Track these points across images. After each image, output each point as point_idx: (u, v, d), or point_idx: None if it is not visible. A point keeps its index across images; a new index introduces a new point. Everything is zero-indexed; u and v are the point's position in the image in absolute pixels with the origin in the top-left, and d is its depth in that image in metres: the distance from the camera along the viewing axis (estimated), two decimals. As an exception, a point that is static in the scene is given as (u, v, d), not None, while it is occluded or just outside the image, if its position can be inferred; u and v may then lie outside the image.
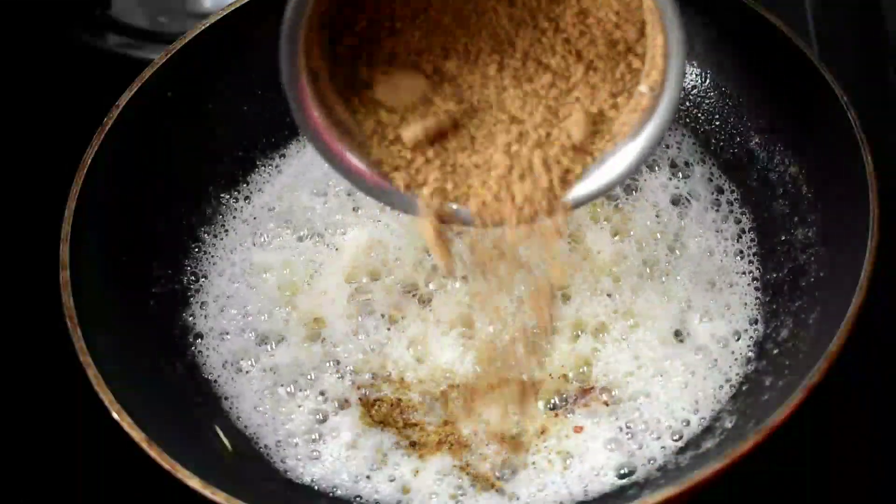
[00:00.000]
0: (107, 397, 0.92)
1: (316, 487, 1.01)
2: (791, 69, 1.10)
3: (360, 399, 1.06)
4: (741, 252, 1.13)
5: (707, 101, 1.22)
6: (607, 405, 1.03)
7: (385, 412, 1.05)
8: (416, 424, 1.04)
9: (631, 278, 1.11)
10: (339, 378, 1.08)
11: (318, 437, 1.04)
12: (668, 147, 1.21)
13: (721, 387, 1.04)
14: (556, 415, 1.03)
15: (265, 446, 1.04)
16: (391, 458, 1.02)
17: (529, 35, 0.92)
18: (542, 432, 1.02)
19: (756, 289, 1.10)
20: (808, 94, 1.08)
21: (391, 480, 1.01)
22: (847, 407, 1.12)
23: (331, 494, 1.00)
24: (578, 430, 1.02)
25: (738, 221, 1.15)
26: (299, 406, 1.06)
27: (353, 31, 0.92)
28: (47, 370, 1.18)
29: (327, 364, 1.09)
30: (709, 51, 1.21)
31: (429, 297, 1.12)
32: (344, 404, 1.06)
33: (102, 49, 1.47)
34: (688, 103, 1.23)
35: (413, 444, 1.03)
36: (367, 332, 1.10)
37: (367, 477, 1.01)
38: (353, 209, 1.19)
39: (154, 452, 0.89)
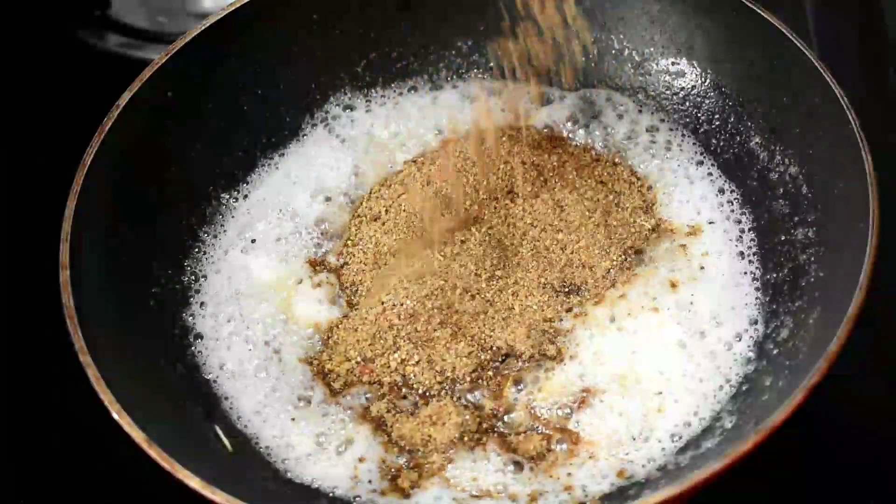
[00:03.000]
0: (107, 397, 0.92)
1: (316, 487, 1.01)
2: (791, 69, 1.10)
3: (359, 400, 1.06)
4: (741, 252, 1.13)
5: (707, 101, 1.22)
6: (607, 405, 1.03)
7: (384, 412, 1.05)
8: (416, 423, 1.04)
9: (633, 277, 1.12)
10: (338, 379, 1.08)
11: (317, 436, 1.04)
12: (668, 147, 1.21)
13: (721, 387, 1.04)
14: (559, 418, 1.04)
15: (266, 447, 1.04)
16: (391, 458, 1.02)
17: None
18: (546, 440, 1.02)
19: (756, 289, 1.10)
20: (808, 94, 1.09)
21: (392, 480, 1.01)
22: (847, 407, 1.12)
23: (331, 494, 1.00)
24: (576, 441, 1.02)
25: (738, 222, 1.15)
26: (299, 406, 1.06)
27: None
28: (47, 370, 1.19)
29: (327, 365, 1.09)
30: (709, 51, 1.21)
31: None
32: (344, 405, 1.06)
33: (102, 49, 1.47)
34: (688, 103, 1.23)
35: (415, 449, 1.03)
36: (365, 334, 1.10)
37: (369, 481, 1.01)
38: (353, 209, 1.20)
39: (154, 452, 0.89)
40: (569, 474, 0.99)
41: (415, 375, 1.06)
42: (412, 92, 1.29)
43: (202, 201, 1.19)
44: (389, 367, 1.07)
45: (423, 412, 1.04)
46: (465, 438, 1.02)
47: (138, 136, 1.12)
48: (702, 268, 1.12)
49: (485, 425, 1.03)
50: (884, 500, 1.09)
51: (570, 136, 1.24)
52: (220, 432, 1.03)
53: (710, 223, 1.15)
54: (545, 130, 1.24)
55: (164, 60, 1.14)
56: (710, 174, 1.19)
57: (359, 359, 1.08)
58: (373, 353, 1.08)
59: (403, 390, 1.06)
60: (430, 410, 1.04)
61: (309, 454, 1.02)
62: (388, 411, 1.05)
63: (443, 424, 1.03)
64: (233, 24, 1.18)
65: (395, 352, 1.08)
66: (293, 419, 1.05)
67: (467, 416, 1.03)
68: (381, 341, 1.08)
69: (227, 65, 1.20)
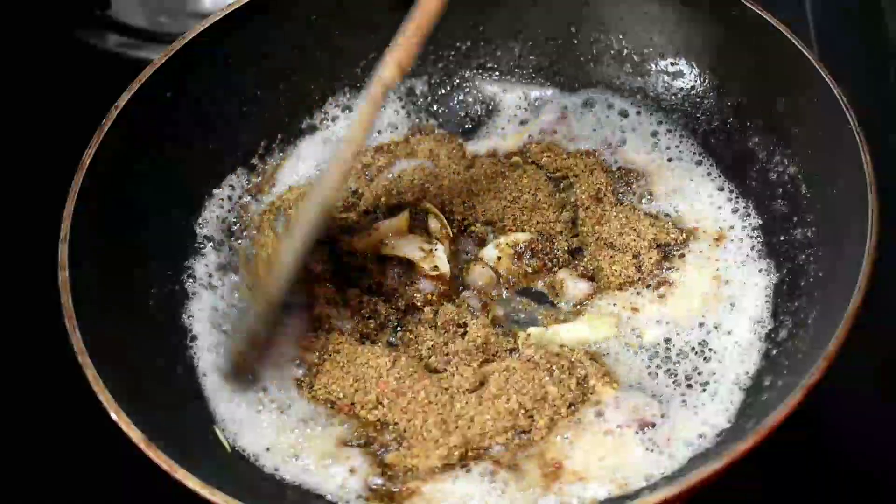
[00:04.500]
0: (106, 397, 0.92)
1: (311, 490, 1.00)
2: (791, 69, 1.10)
3: (357, 401, 1.06)
4: (742, 253, 1.12)
5: (707, 101, 1.22)
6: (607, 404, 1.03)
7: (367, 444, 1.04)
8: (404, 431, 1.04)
9: (634, 278, 1.12)
10: (337, 380, 1.08)
11: (310, 438, 1.03)
12: (668, 148, 1.21)
13: (721, 387, 1.04)
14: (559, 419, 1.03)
15: (264, 448, 1.03)
16: (389, 458, 1.02)
17: None
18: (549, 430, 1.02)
19: (756, 289, 1.10)
20: (808, 94, 1.08)
21: (392, 480, 1.01)
22: (847, 407, 1.11)
23: (328, 496, 1.00)
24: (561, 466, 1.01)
25: (738, 222, 1.15)
26: (296, 407, 1.06)
27: None
28: (47, 370, 1.19)
29: (326, 365, 1.09)
30: (708, 51, 1.21)
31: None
32: (343, 405, 1.06)
33: (102, 49, 1.47)
34: (687, 104, 1.23)
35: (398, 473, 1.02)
36: (362, 335, 1.10)
37: (371, 488, 1.01)
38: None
39: (153, 453, 0.89)
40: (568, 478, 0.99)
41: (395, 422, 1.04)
42: (411, 93, 1.29)
43: (202, 201, 1.19)
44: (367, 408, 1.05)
45: (405, 444, 1.02)
46: (448, 470, 1.00)
47: (138, 136, 1.12)
48: (701, 268, 1.11)
49: (471, 454, 1.01)
50: (884, 501, 1.09)
51: (571, 138, 1.24)
52: (218, 432, 1.03)
53: (711, 223, 1.15)
54: (544, 133, 1.24)
55: (164, 60, 1.14)
56: (710, 174, 1.19)
57: (341, 395, 1.06)
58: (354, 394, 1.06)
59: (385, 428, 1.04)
60: (414, 443, 1.01)
61: (303, 457, 1.02)
62: (369, 444, 1.03)
63: (426, 457, 1.00)
64: (233, 24, 1.18)
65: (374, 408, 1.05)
66: (293, 419, 1.05)
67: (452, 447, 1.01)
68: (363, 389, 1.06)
69: (226, 65, 1.20)
